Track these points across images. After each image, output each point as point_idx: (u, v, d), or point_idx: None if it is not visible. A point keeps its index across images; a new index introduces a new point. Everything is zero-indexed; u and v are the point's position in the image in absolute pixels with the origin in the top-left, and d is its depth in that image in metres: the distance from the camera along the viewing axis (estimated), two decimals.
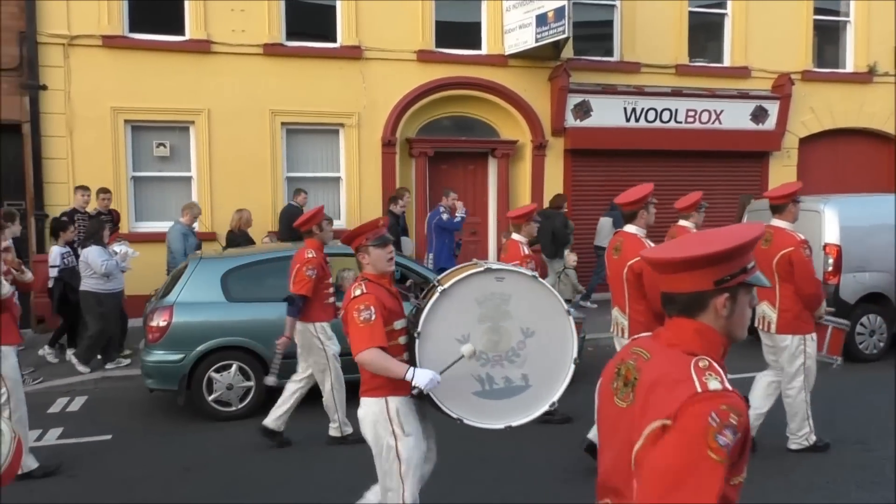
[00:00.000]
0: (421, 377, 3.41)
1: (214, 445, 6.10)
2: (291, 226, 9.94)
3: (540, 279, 3.79)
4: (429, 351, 3.54)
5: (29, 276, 5.18)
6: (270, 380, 5.97)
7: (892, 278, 8.52)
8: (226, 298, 6.73)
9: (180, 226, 9.32)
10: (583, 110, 12.39)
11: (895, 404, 6.59)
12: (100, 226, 8.28)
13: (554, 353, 3.72)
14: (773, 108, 13.33)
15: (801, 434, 5.53)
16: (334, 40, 11.59)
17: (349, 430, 5.94)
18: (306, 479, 5.38)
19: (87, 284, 8.08)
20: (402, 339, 3.63)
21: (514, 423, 3.69)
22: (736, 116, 13.16)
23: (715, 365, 1.77)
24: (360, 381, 3.63)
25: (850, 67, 14.13)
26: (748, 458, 1.79)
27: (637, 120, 12.68)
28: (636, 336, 2.07)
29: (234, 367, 6.66)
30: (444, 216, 10.18)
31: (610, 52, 12.94)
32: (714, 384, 1.71)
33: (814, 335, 5.46)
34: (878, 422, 6.30)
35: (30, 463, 5.17)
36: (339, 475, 5.34)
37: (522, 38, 11.69)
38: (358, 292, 3.54)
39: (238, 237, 9.75)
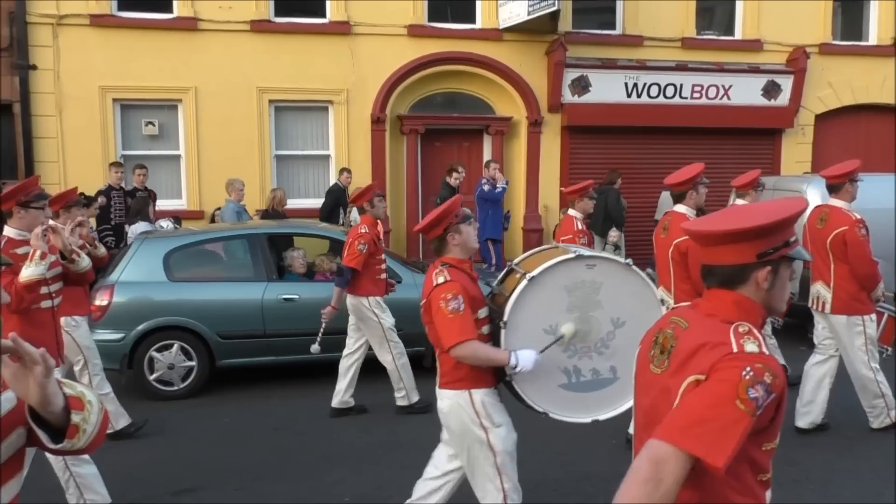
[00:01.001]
0: (525, 359, 3.26)
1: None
2: (334, 205, 10.26)
3: (635, 267, 3.57)
4: (515, 342, 3.34)
5: (102, 251, 5.28)
6: (315, 348, 6.07)
7: (891, 266, 7.97)
8: (168, 278, 6.70)
9: (233, 204, 9.25)
10: (581, 86, 11.99)
11: None
12: (145, 202, 8.60)
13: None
14: (786, 83, 12.69)
15: (879, 412, 5.47)
16: (323, 16, 11.43)
17: (416, 397, 6.08)
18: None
19: None
20: (485, 329, 3.45)
21: (602, 417, 3.54)
22: (746, 92, 12.56)
23: (754, 330, 1.78)
24: (439, 372, 3.47)
25: (872, 40, 13.34)
26: (780, 425, 1.79)
27: (639, 96, 12.21)
28: (675, 305, 2.10)
29: (175, 347, 6.63)
30: (486, 187, 10.14)
31: (612, 26, 12.46)
32: (751, 347, 1.73)
33: (873, 316, 5.37)
34: None
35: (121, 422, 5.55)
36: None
37: (515, 11, 11.33)
38: (441, 280, 3.32)
39: (272, 217, 9.59)
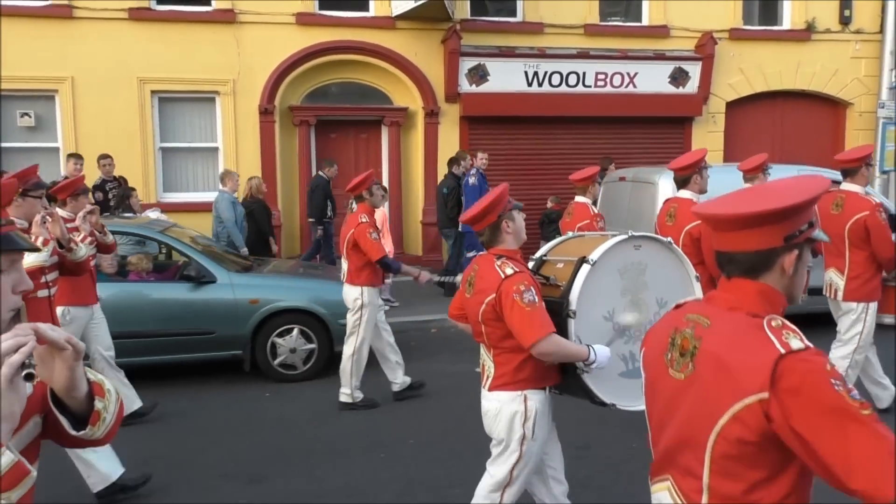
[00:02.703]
0: (602, 354, 3.11)
1: None
2: (321, 197, 10.01)
3: (674, 245, 3.55)
4: (582, 333, 3.17)
5: (110, 238, 5.38)
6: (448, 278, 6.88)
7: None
8: None
9: (228, 195, 8.95)
10: (478, 75, 11.67)
11: None
12: (126, 193, 8.59)
13: None
14: (694, 69, 12.38)
15: None
16: (208, 3, 11.08)
17: (360, 395, 6.09)
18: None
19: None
20: None
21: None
22: (652, 79, 12.25)
23: (788, 323, 1.66)
24: (495, 374, 3.22)
25: (786, 24, 13.04)
26: None
27: (540, 84, 11.89)
28: (683, 301, 1.94)
29: None
30: (473, 179, 9.89)
31: (513, 13, 12.13)
32: (795, 343, 1.59)
33: (876, 303, 5.36)
34: None
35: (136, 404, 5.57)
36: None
37: None
38: (510, 271, 3.08)
39: (252, 205, 9.30)
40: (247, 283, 6.89)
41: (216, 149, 11.38)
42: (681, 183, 5.15)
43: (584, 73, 12.00)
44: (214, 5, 11.04)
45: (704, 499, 1.71)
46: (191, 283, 6.64)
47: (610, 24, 12.35)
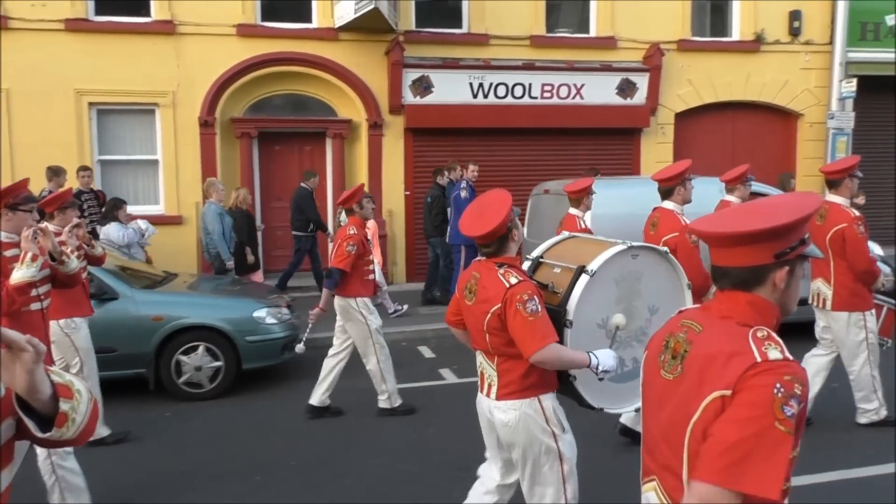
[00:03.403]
0: (606, 359, 3.13)
1: None
2: (305, 208, 10.01)
3: (671, 255, 3.66)
4: (578, 341, 3.22)
5: (99, 250, 5.42)
6: (300, 347, 6.18)
7: None
8: None
9: (215, 206, 8.84)
10: (422, 86, 11.60)
11: None
12: (116, 204, 8.63)
13: None
14: (642, 81, 12.33)
15: (870, 408, 5.47)
16: (147, 14, 10.99)
17: (399, 401, 6.13)
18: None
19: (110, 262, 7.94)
20: None
21: (639, 403, 3.54)
22: (600, 91, 12.20)
23: (773, 335, 1.72)
24: (500, 382, 3.20)
25: (736, 36, 13.02)
26: (802, 433, 1.70)
27: (486, 96, 11.83)
28: (683, 308, 2.02)
29: None
30: (464, 193, 9.81)
31: (458, 24, 12.08)
32: (774, 353, 1.66)
33: (873, 311, 5.39)
34: None
35: (101, 430, 5.45)
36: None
37: (345, 10, 10.93)
38: (514, 280, 3.09)
39: (237, 215, 9.24)
40: (151, 300, 6.78)
41: (156, 161, 11.26)
42: (664, 194, 5.22)
43: (530, 85, 11.95)
44: (154, 16, 10.95)
45: (686, 496, 1.74)
46: (91, 300, 6.50)
47: (557, 35, 12.31)
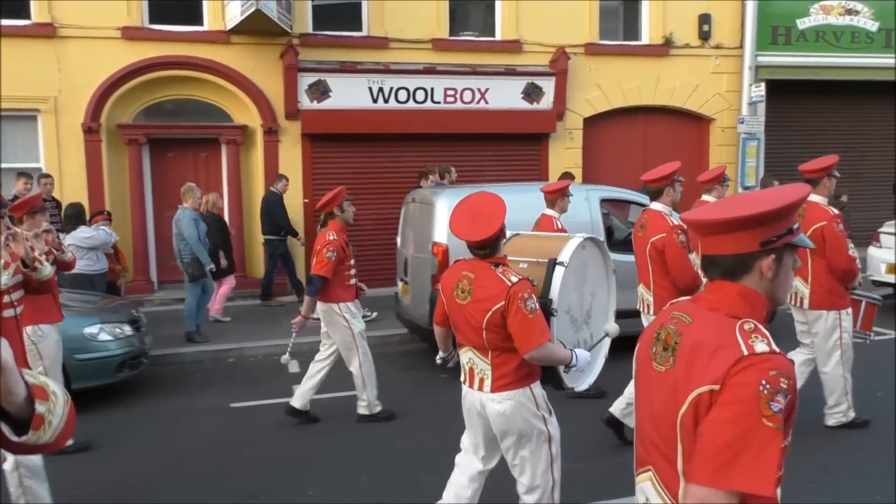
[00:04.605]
0: (582, 359, 3.45)
1: None
2: (274, 214, 10.01)
3: (602, 242, 4.05)
4: (557, 329, 3.48)
5: (69, 256, 5.33)
6: (285, 358, 6.05)
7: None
8: None
9: (190, 212, 8.75)
10: (319, 91, 11.28)
11: None
12: (80, 209, 8.58)
13: (604, 307, 4.04)
14: (548, 85, 12.13)
15: (838, 410, 5.49)
16: (26, 17, 10.56)
17: (378, 407, 6.09)
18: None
19: (79, 267, 7.64)
20: None
21: (592, 380, 3.90)
22: (505, 95, 11.97)
23: (760, 327, 1.73)
24: (494, 375, 3.38)
25: (645, 39, 12.87)
26: (793, 422, 1.71)
27: (386, 101, 11.55)
28: (674, 301, 2.01)
29: None
30: None
31: (357, 27, 11.78)
32: (761, 346, 1.67)
33: (849, 310, 5.41)
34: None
35: None
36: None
37: (234, 11, 10.60)
38: (514, 279, 3.27)
39: (209, 220, 9.16)
40: None
41: (39, 170, 10.79)
42: (653, 195, 5.22)
43: (432, 89, 11.68)
44: (33, 19, 10.53)
45: (681, 485, 1.77)
46: None
47: (460, 38, 12.06)
